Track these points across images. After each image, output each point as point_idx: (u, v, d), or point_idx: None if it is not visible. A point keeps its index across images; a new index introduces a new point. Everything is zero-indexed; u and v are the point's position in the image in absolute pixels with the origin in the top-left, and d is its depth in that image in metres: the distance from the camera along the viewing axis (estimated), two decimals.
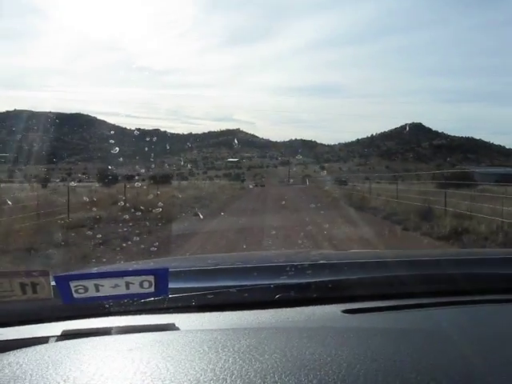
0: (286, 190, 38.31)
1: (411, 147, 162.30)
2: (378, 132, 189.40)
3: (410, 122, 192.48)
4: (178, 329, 0.97)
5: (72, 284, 0.89)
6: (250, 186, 54.57)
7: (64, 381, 0.67)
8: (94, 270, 1.45)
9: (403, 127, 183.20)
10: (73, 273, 1.05)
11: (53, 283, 0.91)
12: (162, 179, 27.80)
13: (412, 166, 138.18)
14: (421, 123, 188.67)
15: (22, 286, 0.88)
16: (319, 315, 1.08)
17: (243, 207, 18.33)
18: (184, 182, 37.77)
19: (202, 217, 12.89)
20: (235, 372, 0.67)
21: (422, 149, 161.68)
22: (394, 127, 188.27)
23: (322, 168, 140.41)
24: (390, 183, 30.12)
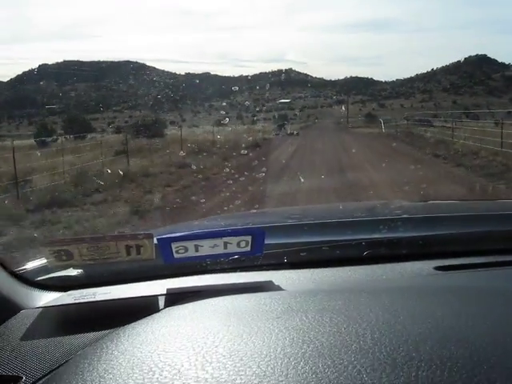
0: (353, 146, 20.38)
1: (480, 80, 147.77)
2: (439, 66, 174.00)
3: (473, 54, 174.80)
4: (277, 287, 0.94)
5: (173, 245, 0.93)
6: (287, 133, 35.24)
7: (190, 341, 0.66)
8: (195, 224, 1.67)
9: (466, 60, 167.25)
10: (175, 235, 1.05)
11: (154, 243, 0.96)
12: (152, 129, 22.44)
13: (482, 100, 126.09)
14: (486, 55, 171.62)
15: (127, 248, 0.93)
16: (411, 272, 1.03)
17: None
18: (199, 129, 25.46)
19: None
20: (360, 332, 0.64)
21: (492, 81, 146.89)
22: (455, 60, 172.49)
23: (382, 106, 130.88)
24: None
